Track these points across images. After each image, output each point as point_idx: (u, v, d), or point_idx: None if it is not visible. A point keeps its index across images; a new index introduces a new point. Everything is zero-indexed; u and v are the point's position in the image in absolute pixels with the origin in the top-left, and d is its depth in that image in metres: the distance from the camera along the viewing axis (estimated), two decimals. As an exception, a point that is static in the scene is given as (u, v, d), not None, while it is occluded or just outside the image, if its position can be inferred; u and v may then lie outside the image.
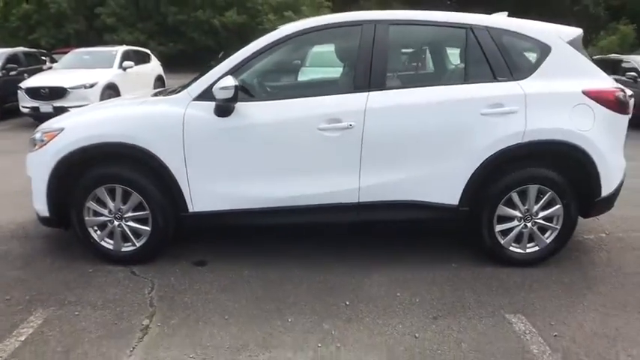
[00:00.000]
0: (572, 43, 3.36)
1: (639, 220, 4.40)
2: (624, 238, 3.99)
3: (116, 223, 3.29)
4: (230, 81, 2.98)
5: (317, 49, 5.54)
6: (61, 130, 3.27)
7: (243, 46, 3.32)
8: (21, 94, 9.55)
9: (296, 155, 3.21)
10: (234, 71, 3.16)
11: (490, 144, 3.16)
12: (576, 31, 3.46)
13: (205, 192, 3.22)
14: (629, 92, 3.42)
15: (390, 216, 3.34)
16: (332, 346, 2.51)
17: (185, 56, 25.29)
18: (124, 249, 3.35)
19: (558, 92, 3.22)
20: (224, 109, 3.09)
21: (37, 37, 25.58)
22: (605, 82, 3.37)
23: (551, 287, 3.14)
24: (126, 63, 10.83)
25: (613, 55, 13.24)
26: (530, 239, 3.39)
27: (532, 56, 3.37)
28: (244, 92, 3.16)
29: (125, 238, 3.33)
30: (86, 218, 3.28)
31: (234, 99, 3.03)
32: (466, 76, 3.38)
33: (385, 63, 3.25)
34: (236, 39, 25.75)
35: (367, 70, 3.20)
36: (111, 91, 9.91)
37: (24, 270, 3.32)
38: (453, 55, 3.95)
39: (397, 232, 3.98)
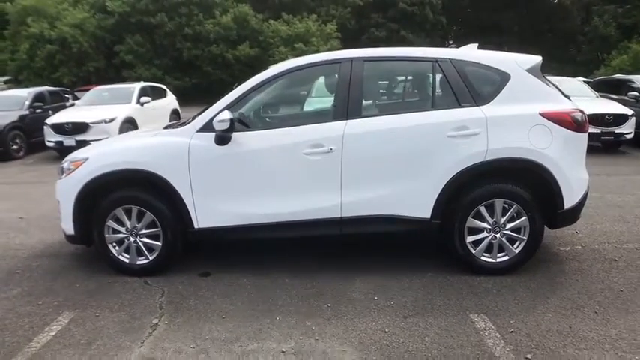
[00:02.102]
0: (530, 70, 3.70)
1: (618, 233, 4.64)
2: (599, 250, 4.24)
3: (132, 239, 3.74)
4: (226, 115, 3.45)
5: (321, 80, 5.86)
6: (86, 159, 3.76)
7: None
8: (47, 129, 10.13)
9: (285, 177, 3.61)
10: (230, 106, 3.63)
11: (456, 163, 3.51)
12: (535, 59, 3.80)
13: (208, 211, 3.63)
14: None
15: (370, 229, 3.67)
16: (312, 338, 2.89)
17: (200, 89, 26.03)
18: (138, 262, 3.78)
19: (517, 115, 3.55)
20: (222, 139, 3.54)
21: (59, 75, 26.76)
22: (563, 105, 3.68)
23: (517, 292, 3.42)
24: (143, 98, 11.37)
25: (618, 75, 13.25)
26: (501, 249, 3.68)
27: (493, 83, 3.68)
28: (240, 123, 3.62)
29: (139, 253, 3.77)
30: (106, 235, 3.73)
31: (231, 130, 3.49)
32: (434, 103, 3.77)
33: (361, 94, 3.66)
34: (249, 71, 26.42)
35: (345, 101, 3.61)
36: (129, 125, 10.46)
37: (53, 282, 3.78)
38: (422, 85, 4.30)
39: (379, 244, 4.31)
